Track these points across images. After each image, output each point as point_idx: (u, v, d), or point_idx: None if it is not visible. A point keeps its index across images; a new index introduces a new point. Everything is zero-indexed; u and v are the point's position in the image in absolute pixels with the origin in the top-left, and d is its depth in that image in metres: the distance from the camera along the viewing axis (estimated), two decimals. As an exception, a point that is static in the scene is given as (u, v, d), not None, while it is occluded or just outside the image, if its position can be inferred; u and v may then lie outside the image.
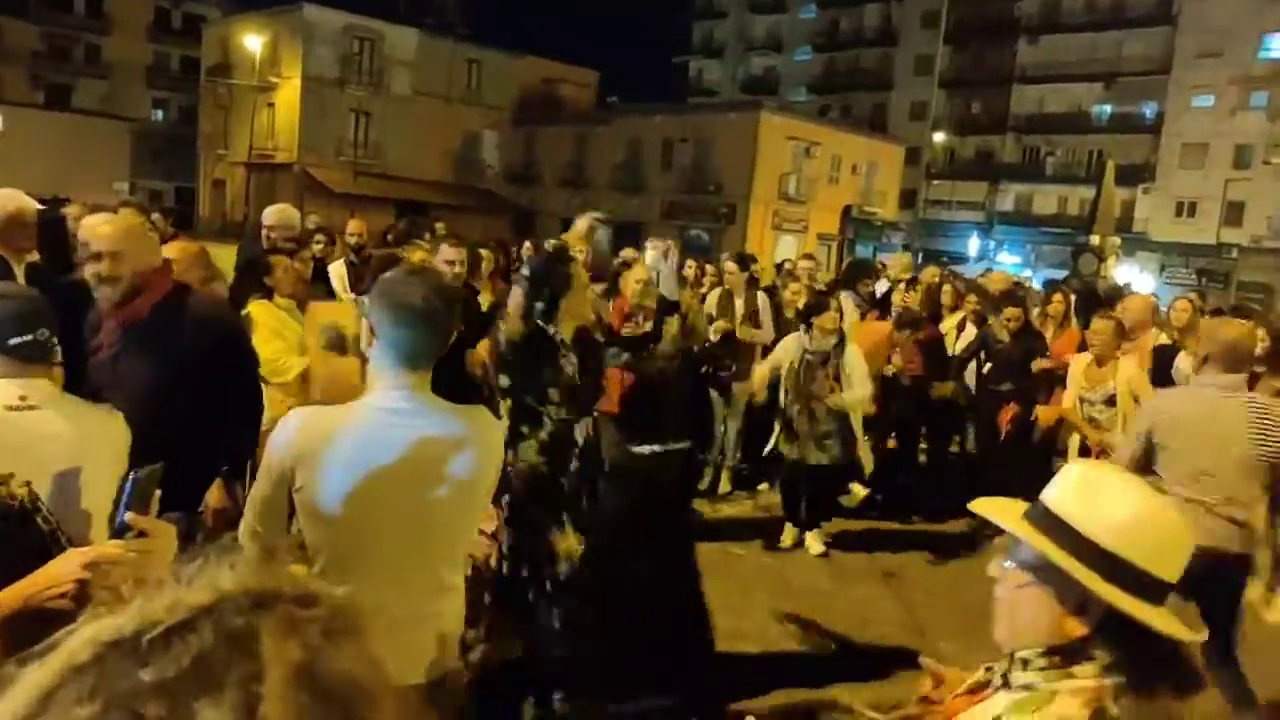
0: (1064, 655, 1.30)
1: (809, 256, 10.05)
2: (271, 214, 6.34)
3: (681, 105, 45.96)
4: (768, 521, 6.61)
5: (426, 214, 25.56)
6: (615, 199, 39.84)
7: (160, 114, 55.76)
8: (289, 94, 39.93)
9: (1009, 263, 38.21)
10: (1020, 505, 1.41)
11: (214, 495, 3.25)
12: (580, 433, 3.82)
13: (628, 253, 9.07)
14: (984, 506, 1.43)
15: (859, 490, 7.19)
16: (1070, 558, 1.28)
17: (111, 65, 54.43)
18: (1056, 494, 1.35)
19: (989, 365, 7.13)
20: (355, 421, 2.07)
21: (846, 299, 7.58)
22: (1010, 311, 6.95)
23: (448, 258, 5.63)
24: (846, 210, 39.77)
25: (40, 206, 4.68)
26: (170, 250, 3.84)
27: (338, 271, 6.75)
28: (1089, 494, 1.32)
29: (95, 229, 3.08)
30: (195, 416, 3.03)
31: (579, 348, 3.82)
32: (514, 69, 44.60)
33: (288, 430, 2.07)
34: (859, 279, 8.40)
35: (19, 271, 4.16)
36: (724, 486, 7.30)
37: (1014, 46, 46.91)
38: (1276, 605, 5.81)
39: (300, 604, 0.53)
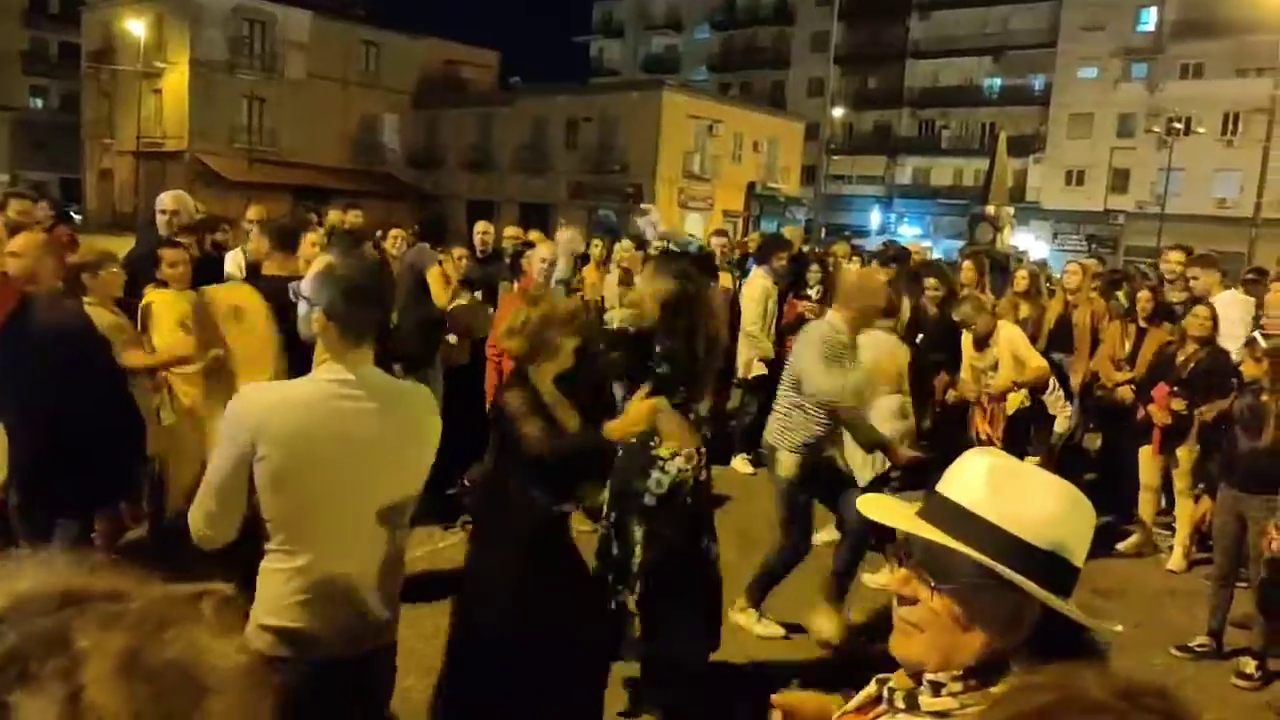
0: (981, 674, 1.14)
1: (721, 233, 10.04)
2: (171, 199, 6.23)
3: (584, 85, 45.81)
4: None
5: (325, 200, 25.01)
6: (520, 181, 39.61)
7: (39, 102, 53.12)
8: (177, 79, 38.42)
9: (909, 234, 39.32)
10: (905, 505, 1.26)
11: (106, 529, 3.19)
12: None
13: (531, 234, 9.13)
14: (876, 509, 1.24)
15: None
16: (1005, 565, 1.12)
17: (-16, 52, 51.51)
18: (967, 489, 1.18)
19: (920, 337, 7.00)
20: (310, 394, 2.16)
21: (762, 275, 7.73)
22: (931, 281, 7.18)
23: (543, 255, 6.09)
24: (750, 187, 40.33)
25: None
26: (15, 244, 3.71)
27: (236, 260, 6.63)
28: (1009, 487, 1.16)
29: None
30: (64, 430, 2.92)
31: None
32: (413, 51, 43.75)
33: (246, 404, 2.12)
34: (773, 253, 8.19)
35: None
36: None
37: (906, 22, 48.03)
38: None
39: (112, 599, 0.53)
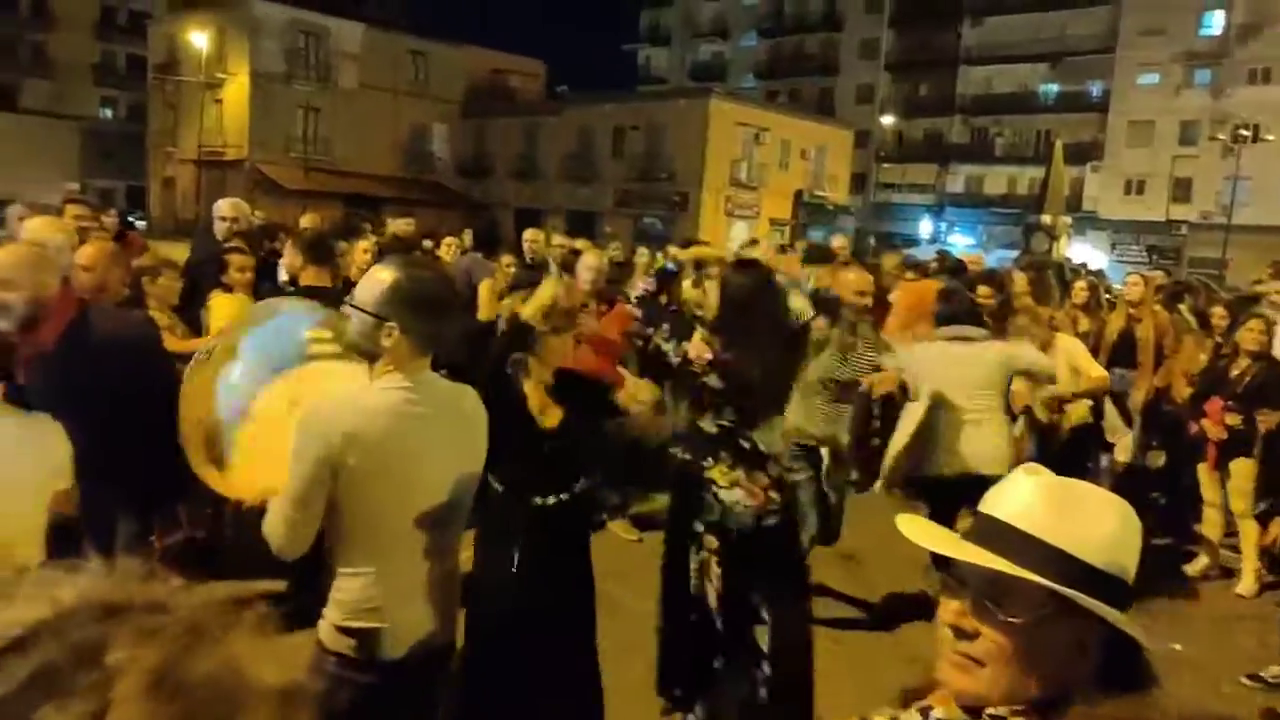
0: (1046, 707, 1.07)
1: (786, 248, 9.87)
2: (230, 206, 6.36)
3: (631, 93, 45.93)
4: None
5: (377, 208, 25.38)
6: (567, 189, 39.81)
7: (109, 112, 54.76)
8: (237, 90, 39.29)
9: (961, 244, 38.78)
10: (938, 528, 1.18)
11: (165, 531, 3.24)
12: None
13: (578, 242, 9.15)
14: (918, 532, 1.17)
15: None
16: (1079, 592, 1.05)
17: (57, 64, 53.23)
18: (1023, 511, 1.11)
19: None
20: (385, 403, 2.17)
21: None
22: (984, 290, 7.06)
23: (589, 264, 5.90)
24: (798, 195, 40.09)
25: None
26: (84, 254, 3.76)
27: (290, 266, 6.73)
28: (1068, 507, 1.10)
29: (36, 231, 3.00)
30: (125, 434, 2.91)
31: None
32: (461, 61, 44.24)
33: (333, 412, 2.14)
34: (819, 263, 8.28)
35: None
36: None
37: (958, 28, 47.45)
38: None
39: (150, 612, 0.53)
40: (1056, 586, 1.05)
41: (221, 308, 4.59)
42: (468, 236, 8.59)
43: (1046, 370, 5.16)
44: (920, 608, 5.14)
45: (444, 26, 49.64)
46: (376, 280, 2.21)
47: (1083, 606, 1.04)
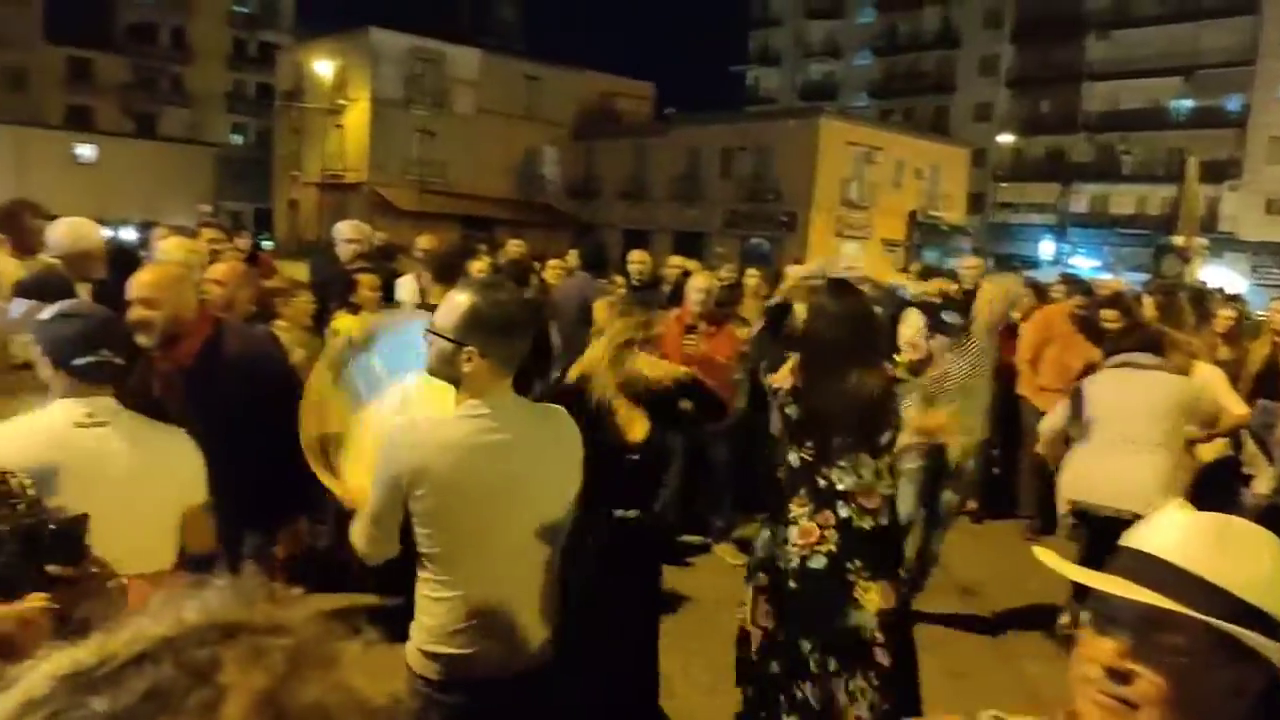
0: None
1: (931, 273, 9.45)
2: (354, 229, 6.54)
3: (739, 113, 45.83)
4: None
5: (490, 229, 25.92)
6: (674, 209, 39.93)
7: (239, 138, 57.72)
8: (358, 116, 40.87)
9: (1085, 266, 37.18)
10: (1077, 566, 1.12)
11: (287, 542, 3.31)
12: None
13: (689, 263, 9.07)
14: (1064, 565, 1.13)
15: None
16: (1248, 631, 1.00)
17: (194, 94, 56.65)
18: (1179, 547, 1.05)
19: None
20: (463, 433, 2.15)
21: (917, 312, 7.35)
22: (1109, 314, 6.71)
23: (698, 285, 5.97)
24: (912, 215, 39.22)
25: (108, 233, 4.83)
26: (216, 271, 3.96)
27: (408, 287, 6.86)
28: (1228, 545, 1.05)
29: (136, 278, 3.08)
30: (253, 448, 2.99)
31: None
32: (572, 84, 45.00)
33: (400, 444, 2.15)
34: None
35: (82, 292, 4.28)
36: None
37: (1083, 42, 45.76)
38: None
39: (266, 634, 0.53)
40: (1225, 625, 0.99)
41: (347, 329, 4.68)
42: (573, 257, 8.61)
43: (1227, 414, 4.88)
44: (1043, 644, 4.89)
45: (557, 51, 50.64)
46: (453, 305, 2.18)
47: (1244, 648, 0.99)
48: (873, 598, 3.25)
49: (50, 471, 2.24)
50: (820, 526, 3.28)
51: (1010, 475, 7.50)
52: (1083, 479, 4.51)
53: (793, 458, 3.40)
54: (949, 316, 3.12)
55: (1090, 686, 1.05)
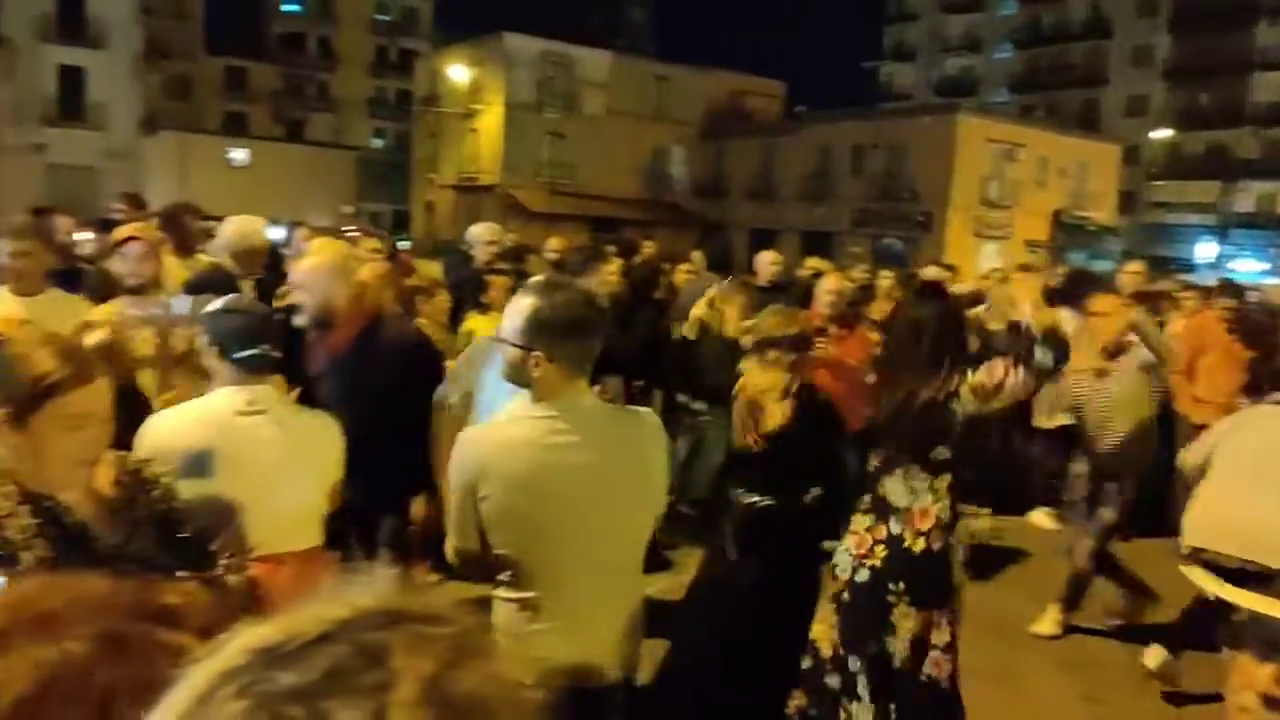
0: None
1: (1026, 268, 8.99)
2: (491, 231, 6.71)
3: (872, 110, 44.86)
4: (972, 549, 6.23)
5: (617, 230, 26.16)
6: (802, 209, 39.39)
7: (380, 142, 60.19)
8: (491, 119, 41.95)
9: (1251, 270, 34.72)
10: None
11: (418, 509, 3.43)
12: None
13: (822, 264, 8.89)
14: (1220, 587, 1.11)
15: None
16: None
17: (338, 100, 59.51)
18: None
19: None
20: (530, 433, 2.13)
21: (1067, 316, 6.94)
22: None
23: (828, 287, 5.97)
24: (1056, 215, 37.48)
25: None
26: (365, 274, 4.16)
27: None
28: None
29: (296, 266, 3.41)
30: (397, 434, 3.21)
31: None
32: (701, 84, 44.97)
33: (471, 445, 2.16)
34: (1082, 291, 7.47)
35: (246, 288, 4.54)
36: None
37: (1252, 29, 42.76)
38: None
39: (430, 623, 0.56)
40: None
41: (478, 328, 4.78)
42: (698, 258, 8.56)
43: None
44: (1189, 670, 4.59)
45: (687, 51, 50.76)
46: (517, 310, 2.15)
47: None
48: (908, 624, 3.11)
49: (211, 454, 2.41)
50: (874, 540, 3.18)
51: (1163, 491, 7.06)
52: (1211, 525, 3.94)
53: (870, 464, 3.33)
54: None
55: (1247, 716, 1.01)
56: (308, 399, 3.10)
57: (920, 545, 3.09)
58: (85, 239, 6.82)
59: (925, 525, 3.10)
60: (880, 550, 3.15)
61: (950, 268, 9.48)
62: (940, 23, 55.29)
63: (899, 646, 3.11)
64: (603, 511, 2.16)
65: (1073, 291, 7.31)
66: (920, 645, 3.10)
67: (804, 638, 3.35)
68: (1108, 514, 4.97)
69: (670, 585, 5.17)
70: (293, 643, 0.53)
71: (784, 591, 3.39)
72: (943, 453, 3.10)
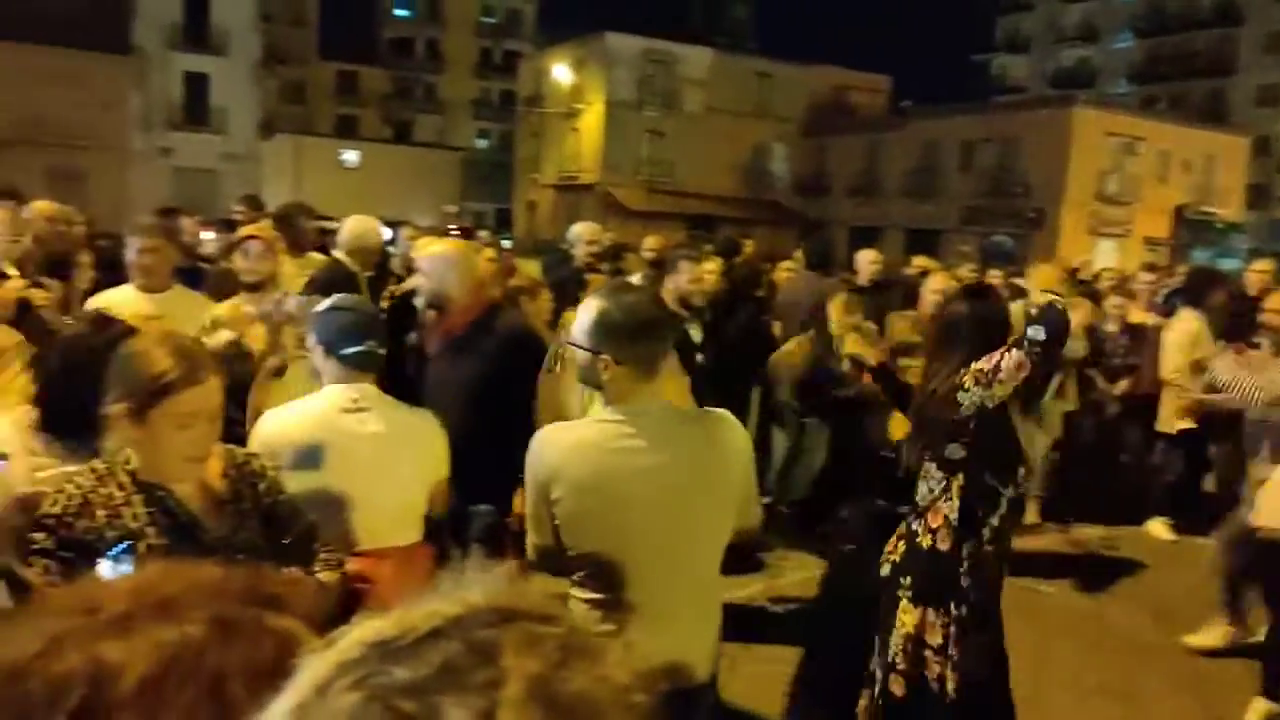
0: None
1: (1152, 268, 8.51)
2: (591, 230, 6.79)
3: (983, 104, 43.51)
4: (1080, 559, 6.04)
5: (716, 228, 26.06)
6: (907, 206, 38.54)
7: (483, 142, 61.41)
8: (592, 118, 42.32)
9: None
10: None
11: (519, 501, 3.47)
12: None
13: (930, 263, 8.66)
14: None
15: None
16: None
17: (444, 101, 60.99)
18: None
19: None
20: (602, 435, 2.13)
21: (1192, 316, 6.57)
22: None
23: (934, 286, 5.74)
24: (1178, 211, 35.70)
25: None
26: (482, 266, 4.32)
27: (634, 284, 7.03)
28: None
29: (421, 250, 3.63)
30: (500, 421, 3.29)
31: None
32: (804, 80, 44.43)
33: (544, 446, 2.16)
34: (1207, 291, 6.78)
35: (362, 282, 4.69)
36: (1031, 517, 6.69)
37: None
38: None
39: (541, 622, 0.56)
40: None
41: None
42: (798, 256, 8.43)
43: None
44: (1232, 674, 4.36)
45: (790, 46, 50.22)
46: (586, 312, 2.15)
47: None
48: (906, 619, 3.10)
49: (319, 449, 2.48)
50: (898, 536, 3.23)
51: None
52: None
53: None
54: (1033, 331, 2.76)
55: None
56: (411, 397, 3.19)
57: (928, 542, 3.09)
58: (208, 238, 7.15)
59: (935, 523, 3.09)
60: (900, 546, 3.19)
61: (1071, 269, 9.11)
62: (1056, 12, 53.28)
63: (896, 641, 3.13)
64: (673, 514, 2.14)
65: (1196, 291, 6.96)
66: (918, 643, 3.08)
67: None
68: None
69: (764, 588, 5.14)
70: (407, 638, 0.54)
71: None
72: (956, 451, 3.04)
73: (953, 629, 3.03)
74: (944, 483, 3.08)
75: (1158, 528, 6.72)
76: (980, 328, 3.06)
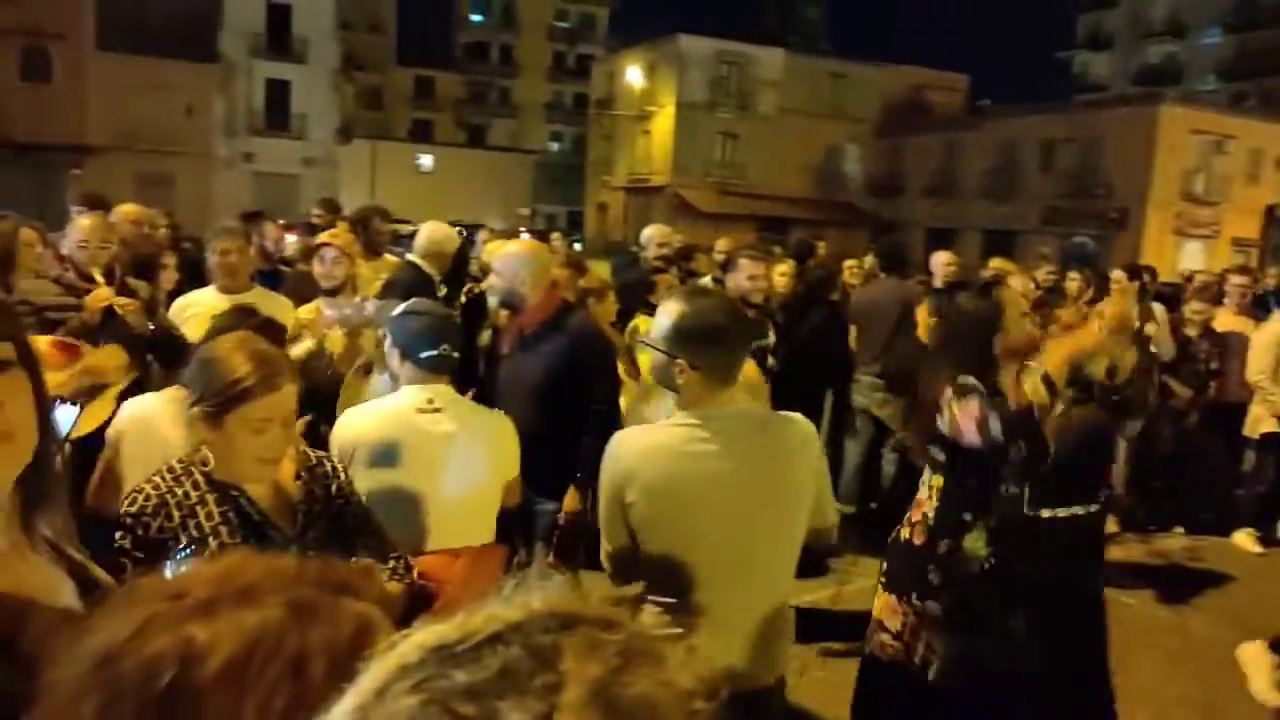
0: None
1: (1244, 270, 8.24)
2: (663, 233, 6.84)
3: (1064, 103, 42.36)
4: (1162, 570, 5.86)
5: (786, 230, 25.89)
6: (985, 207, 37.75)
7: (556, 146, 62.02)
8: (664, 121, 42.41)
9: None
10: None
11: (569, 499, 3.52)
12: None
13: (1008, 265, 8.47)
14: None
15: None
16: None
17: (518, 105, 61.76)
18: None
19: None
20: (676, 439, 2.14)
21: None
22: None
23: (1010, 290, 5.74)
24: (1269, 211, 34.25)
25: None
26: (556, 267, 4.39)
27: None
28: None
29: (495, 252, 3.75)
30: (568, 419, 3.37)
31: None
32: (879, 80, 43.88)
33: (619, 450, 2.18)
34: None
35: (437, 286, 4.79)
36: (1111, 527, 6.51)
37: None
38: None
39: (602, 627, 0.56)
40: None
41: (644, 329, 4.85)
42: (867, 260, 8.32)
43: None
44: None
45: (864, 46, 49.68)
46: (663, 316, 2.16)
47: None
48: (878, 603, 3.16)
49: (395, 448, 2.54)
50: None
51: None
52: None
53: None
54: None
55: None
56: (482, 396, 3.25)
57: (905, 534, 3.15)
58: (291, 241, 7.35)
59: (915, 518, 3.14)
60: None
61: (1146, 269, 8.82)
62: (1141, 8, 51.57)
63: (870, 624, 3.19)
64: (744, 519, 2.15)
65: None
66: (879, 626, 3.12)
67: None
68: None
69: (832, 595, 5.10)
70: (467, 642, 0.54)
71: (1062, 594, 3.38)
72: (938, 454, 3.05)
73: (910, 619, 3.04)
74: (929, 479, 3.13)
75: (1244, 539, 6.49)
76: (968, 330, 3.10)
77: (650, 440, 2.18)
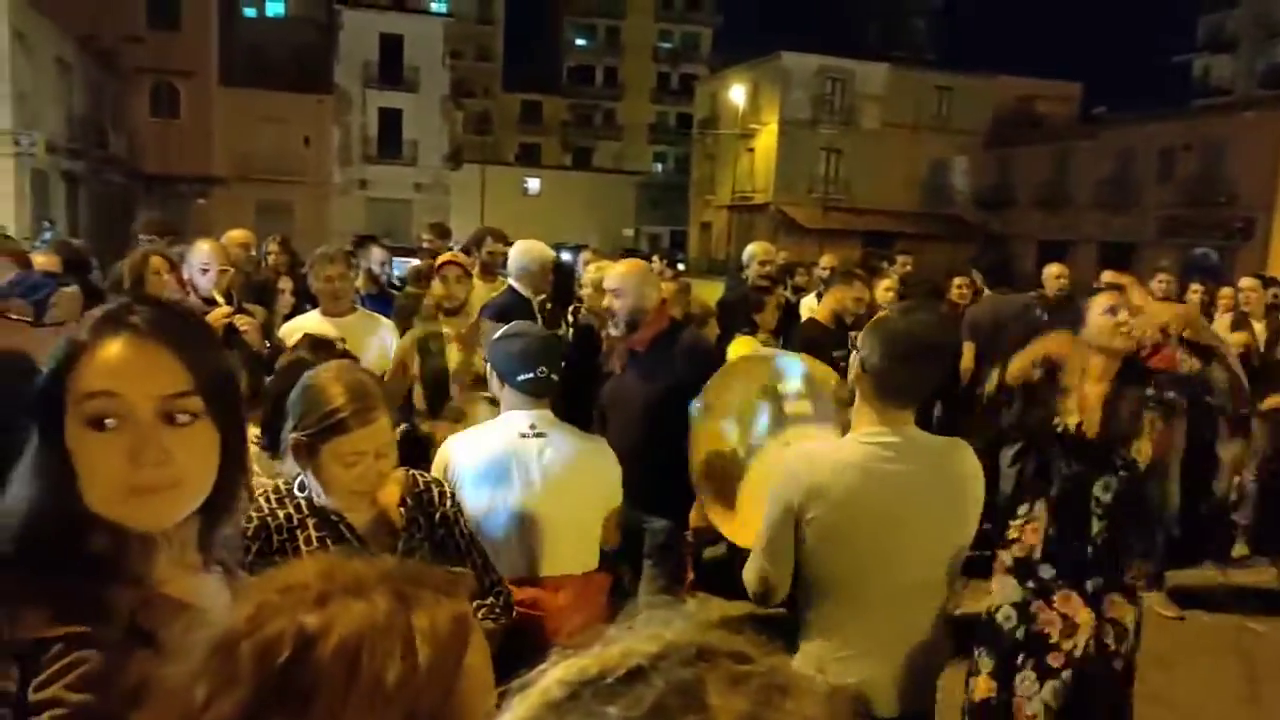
0: None
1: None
2: (762, 250, 6.84)
3: (1183, 109, 40.47)
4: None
5: (891, 245, 25.43)
6: (1099, 218, 36.31)
7: (659, 166, 62.45)
8: (766, 139, 42.27)
9: None
10: None
11: (695, 515, 3.52)
12: None
13: (1122, 278, 8.14)
14: None
15: None
16: None
17: (622, 127, 62.47)
18: None
19: None
20: (861, 456, 2.13)
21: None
22: None
23: (1101, 304, 5.58)
24: None
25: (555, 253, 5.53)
26: (666, 287, 4.49)
27: (808, 304, 6.96)
28: None
29: (608, 271, 3.92)
30: (679, 436, 3.31)
31: None
32: (986, 91, 42.79)
33: (803, 464, 2.17)
34: None
35: (535, 307, 4.86)
36: (1239, 550, 6.20)
37: None
38: None
39: (741, 660, 0.56)
40: None
41: (737, 351, 4.84)
42: (975, 275, 8.11)
43: None
44: None
45: (972, 57, 48.58)
46: (867, 332, 2.19)
47: None
48: None
49: (498, 474, 2.54)
50: None
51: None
52: None
53: None
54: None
55: None
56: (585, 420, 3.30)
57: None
58: (406, 263, 7.60)
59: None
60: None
61: (1274, 281, 8.36)
62: (1267, 7, 48.98)
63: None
64: (920, 537, 2.15)
65: None
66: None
67: None
68: None
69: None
70: (608, 676, 0.54)
71: None
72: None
73: None
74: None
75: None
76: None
77: (840, 456, 2.16)
